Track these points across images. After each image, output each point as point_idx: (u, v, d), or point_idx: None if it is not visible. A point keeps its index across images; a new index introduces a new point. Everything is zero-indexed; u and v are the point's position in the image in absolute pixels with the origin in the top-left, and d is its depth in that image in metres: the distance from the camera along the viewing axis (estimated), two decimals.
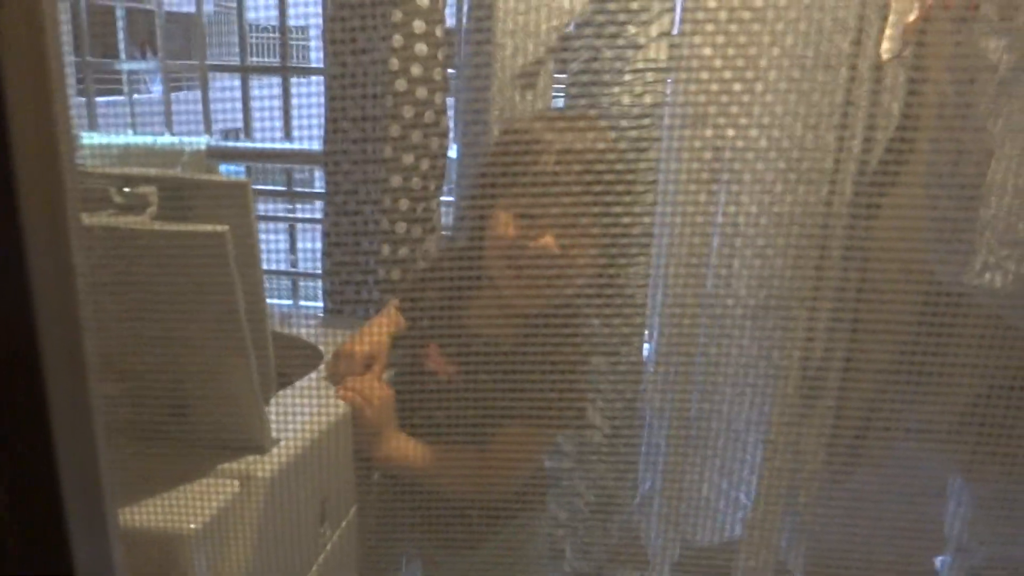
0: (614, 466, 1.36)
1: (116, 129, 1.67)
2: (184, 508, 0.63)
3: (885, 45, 1.00)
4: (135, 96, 1.73)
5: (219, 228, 0.59)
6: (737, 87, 1.04)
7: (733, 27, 0.93)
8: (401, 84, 1.19)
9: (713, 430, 1.31)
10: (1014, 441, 1.06)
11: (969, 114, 0.96)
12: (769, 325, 1.23)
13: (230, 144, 1.50)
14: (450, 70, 1.27)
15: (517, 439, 0.90)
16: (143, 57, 1.62)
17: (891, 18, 1.03)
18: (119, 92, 1.68)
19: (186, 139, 1.46)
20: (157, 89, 1.66)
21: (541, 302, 0.91)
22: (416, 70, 1.19)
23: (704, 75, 1.04)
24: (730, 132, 1.10)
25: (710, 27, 0.96)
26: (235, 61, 1.51)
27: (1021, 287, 0.95)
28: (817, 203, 1.14)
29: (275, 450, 0.74)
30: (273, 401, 0.78)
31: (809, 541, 1.33)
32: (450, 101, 1.28)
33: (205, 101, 1.56)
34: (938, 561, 1.37)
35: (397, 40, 1.18)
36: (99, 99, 1.68)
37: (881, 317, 1.11)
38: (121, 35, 1.54)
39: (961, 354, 1.03)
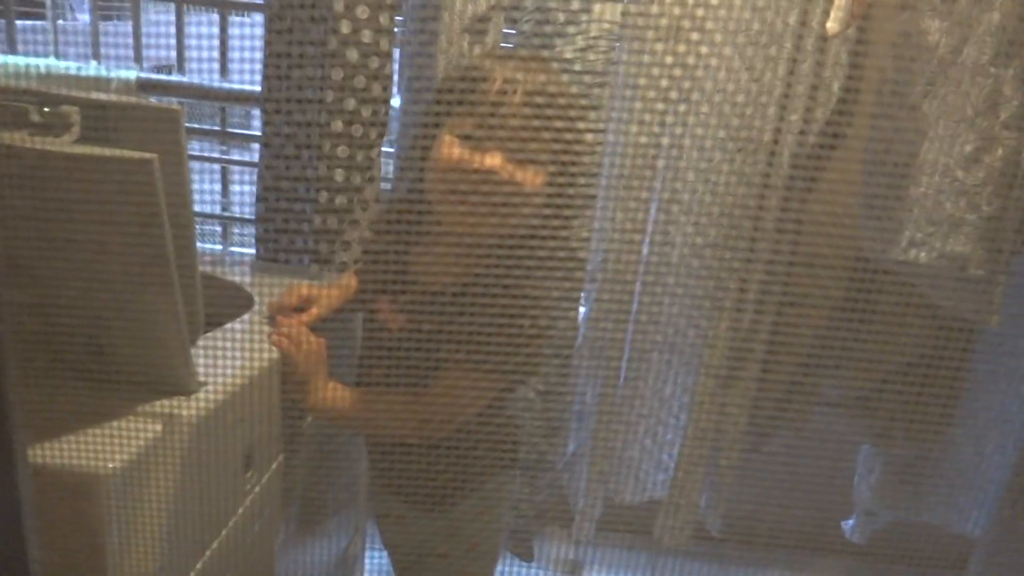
0: (545, 425, 1.38)
1: (37, 55, 1.57)
2: (103, 447, 0.61)
3: (831, 20, 1.02)
4: (60, 22, 1.62)
5: (147, 155, 0.56)
6: (684, 54, 1.04)
7: None
8: (346, 26, 1.15)
9: (641, 394, 1.34)
10: (925, 412, 1.11)
11: (906, 93, 0.98)
12: (700, 294, 1.25)
13: (162, 77, 1.43)
14: (398, 16, 1.23)
15: (452, 384, 0.89)
16: None
17: None
18: (41, 16, 1.58)
19: (114, 69, 1.38)
20: (84, 16, 1.56)
21: (486, 234, 0.88)
22: (362, 12, 1.15)
23: (653, 41, 1.04)
24: (674, 95, 1.10)
25: None
26: None
27: (944, 264, 0.99)
28: (754, 174, 1.16)
29: (201, 393, 0.72)
30: (200, 343, 0.76)
31: (727, 502, 1.38)
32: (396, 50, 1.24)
33: (136, 32, 1.48)
34: (846, 524, 1.44)
35: None
36: (19, 22, 1.57)
37: (808, 290, 1.15)
38: None
39: (882, 328, 1.07)
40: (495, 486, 1.03)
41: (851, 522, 1.42)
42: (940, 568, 1.37)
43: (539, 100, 0.83)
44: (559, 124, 0.84)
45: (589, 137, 0.91)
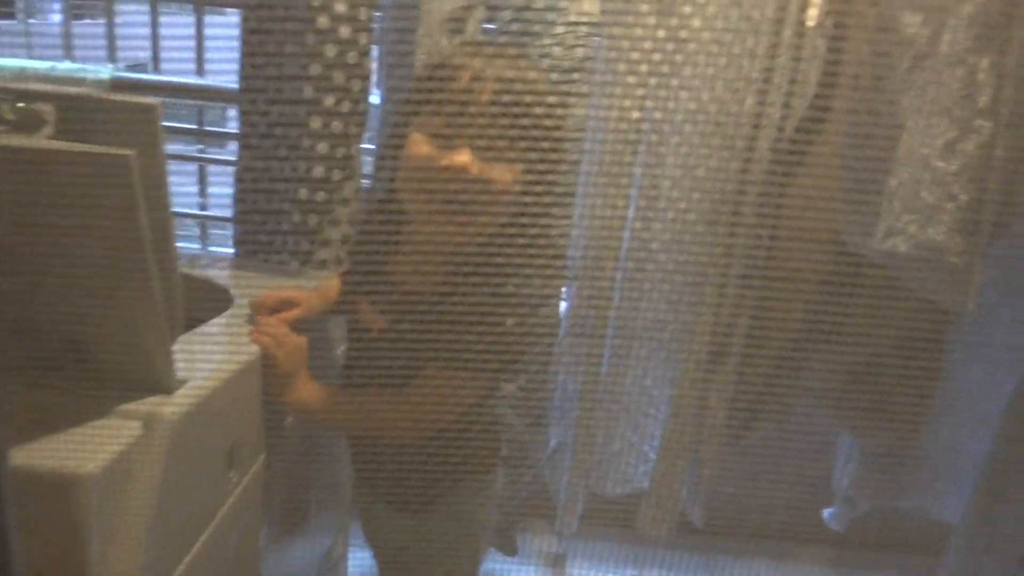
0: (527, 419, 1.38)
1: (9, 54, 1.55)
2: (82, 449, 0.60)
3: (810, 12, 1.03)
4: (31, 21, 1.61)
5: (123, 151, 0.55)
6: (667, 46, 1.05)
7: None
8: (323, 21, 1.14)
9: (624, 386, 1.34)
10: (902, 399, 1.13)
11: (884, 84, 0.99)
12: (681, 285, 1.26)
13: (137, 76, 1.42)
14: (376, 12, 1.22)
15: (431, 385, 0.89)
16: None
17: None
18: (11, 16, 1.56)
19: (88, 67, 1.37)
20: (56, 15, 1.55)
21: (459, 235, 0.87)
22: (340, 7, 1.14)
23: (633, 34, 1.04)
24: (661, 93, 1.11)
25: None
26: None
27: (922, 252, 1.00)
28: (734, 167, 1.17)
29: (181, 392, 0.71)
30: (181, 342, 0.75)
31: (709, 493, 1.38)
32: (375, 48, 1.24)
33: (110, 29, 1.46)
34: (826, 512, 1.45)
35: None
36: None
37: (788, 280, 1.16)
38: None
39: (860, 316, 1.09)
40: (477, 486, 1.02)
41: (831, 511, 1.44)
42: (919, 554, 1.39)
43: (508, 94, 0.81)
44: (530, 118, 0.82)
45: (564, 129, 0.89)
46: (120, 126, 0.62)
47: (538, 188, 0.85)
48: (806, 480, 1.36)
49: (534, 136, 0.83)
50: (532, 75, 0.86)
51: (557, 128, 0.87)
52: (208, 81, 1.46)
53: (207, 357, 0.77)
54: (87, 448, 0.60)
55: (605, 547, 1.55)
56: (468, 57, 0.85)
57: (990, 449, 1.23)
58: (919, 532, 1.37)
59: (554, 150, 0.86)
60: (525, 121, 0.82)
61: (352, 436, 1.04)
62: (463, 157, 0.82)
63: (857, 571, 1.61)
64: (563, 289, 1.33)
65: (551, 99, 0.87)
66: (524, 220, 0.86)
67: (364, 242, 0.99)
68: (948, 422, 1.27)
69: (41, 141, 0.60)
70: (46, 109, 0.60)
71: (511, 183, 0.84)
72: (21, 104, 0.60)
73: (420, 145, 0.84)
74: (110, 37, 1.47)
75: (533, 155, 0.84)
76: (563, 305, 1.35)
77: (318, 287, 1.07)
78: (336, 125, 1.19)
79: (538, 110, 0.83)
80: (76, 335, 0.66)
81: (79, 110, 0.63)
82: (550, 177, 0.86)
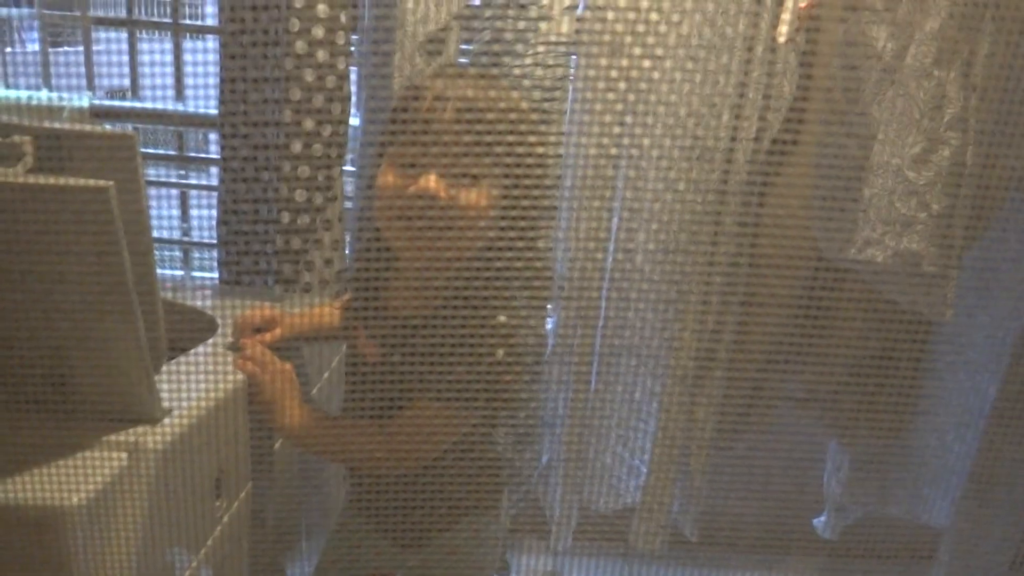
0: (517, 437, 1.38)
1: None
2: (66, 481, 0.59)
3: (781, 29, 1.04)
4: (8, 50, 1.60)
5: (102, 183, 0.55)
6: (644, 64, 1.06)
7: (640, 3, 0.94)
8: (302, 46, 1.15)
9: (612, 401, 1.35)
10: (887, 406, 1.14)
11: (855, 98, 1.01)
12: (666, 299, 1.27)
13: (116, 103, 1.41)
14: (354, 36, 1.23)
15: (418, 416, 0.87)
16: (17, 5, 1.49)
17: (787, 3, 1.07)
18: None
19: (67, 95, 1.36)
20: (33, 42, 1.54)
21: (439, 260, 0.86)
22: (318, 32, 1.15)
23: (610, 53, 1.05)
24: (640, 107, 1.12)
25: (618, 3, 0.98)
26: (122, 15, 1.42)
27: (898, 262, 1.01)
28: (713, 181, 1.18)
29: (166, 421, 0.71)
30: (164, 371, 0.75)
31: (700, 505, 1.39)
32: (354, 69, 1.24)
33: (88, 56, 1.46)
34: (816, 521, 1.46)
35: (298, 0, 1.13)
36: None
37: (770, 291, 1.17)
38: None
39: (842, 325, 1.10)
40: (475, 526, 0.99)
41: (822, 519, 1.44)
42: (909, 560, 1.40)
43: (471, 115, 0.80)
44: (499, 138, 0.81)
45: (539, 149, 0.88)
46: (99, 157, 0.62)
47: (514, 212, 0.84)
48: (796, 488, 1.36)
49: (504, 154, 0.82)
50: (502, 93, 0.86)
51: (530, 152, 0.86)
52: (187, 107, 1.46)
53: (192, 385, 0.76)
54: (72, 480, 0.60)
55: (599, 563, 1.55)
56: (433, 80, 0.85)
57: (975, 452, 1.24)
58: (910, 538, 1.38)
59: (528, 175, 0.85)
60: (492, 140, 0.81)
61: (351, 466, 1.02)
62: (430, 183, 0.82)
63: None
64: (548, 306, 1.33)
65: (525, 116, 0.86)
66: (503, 243, 0.85)
67: (360, 272, 0.98)
68: (935, 428, 1.28)
69: (20, 175, 0.60)
70: (25, 142, 0.60)
71: (485, 207, 0.84)
72: None
73: (389, 175, 0.84)
74: (88, 64, 1.46)
75: (506, 179, 0.83)
76: (549, 322, 1.35)
77: (307, 311, 1.06)
78: (316, 149, 1.20)
79: (510, 127, 0.83)
80: (59, 367, 0.66)
81: (57, 141, 0.63)
82: (525, 202, 0.85)
